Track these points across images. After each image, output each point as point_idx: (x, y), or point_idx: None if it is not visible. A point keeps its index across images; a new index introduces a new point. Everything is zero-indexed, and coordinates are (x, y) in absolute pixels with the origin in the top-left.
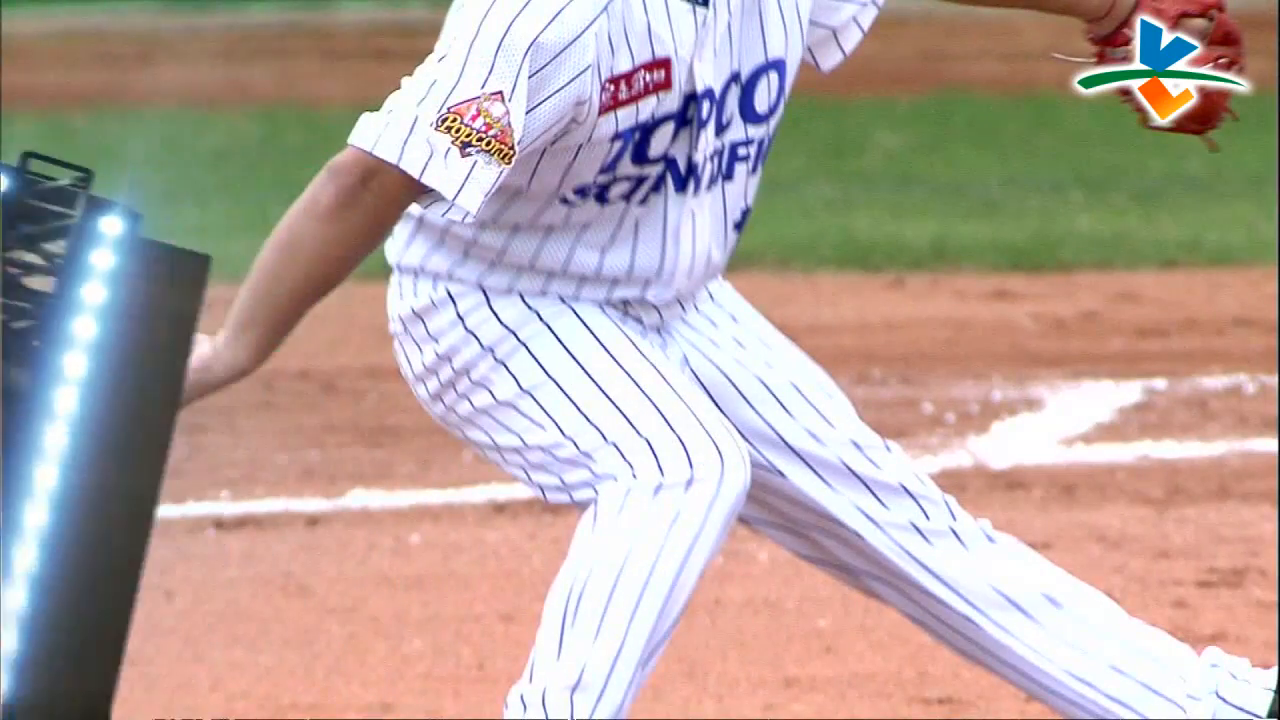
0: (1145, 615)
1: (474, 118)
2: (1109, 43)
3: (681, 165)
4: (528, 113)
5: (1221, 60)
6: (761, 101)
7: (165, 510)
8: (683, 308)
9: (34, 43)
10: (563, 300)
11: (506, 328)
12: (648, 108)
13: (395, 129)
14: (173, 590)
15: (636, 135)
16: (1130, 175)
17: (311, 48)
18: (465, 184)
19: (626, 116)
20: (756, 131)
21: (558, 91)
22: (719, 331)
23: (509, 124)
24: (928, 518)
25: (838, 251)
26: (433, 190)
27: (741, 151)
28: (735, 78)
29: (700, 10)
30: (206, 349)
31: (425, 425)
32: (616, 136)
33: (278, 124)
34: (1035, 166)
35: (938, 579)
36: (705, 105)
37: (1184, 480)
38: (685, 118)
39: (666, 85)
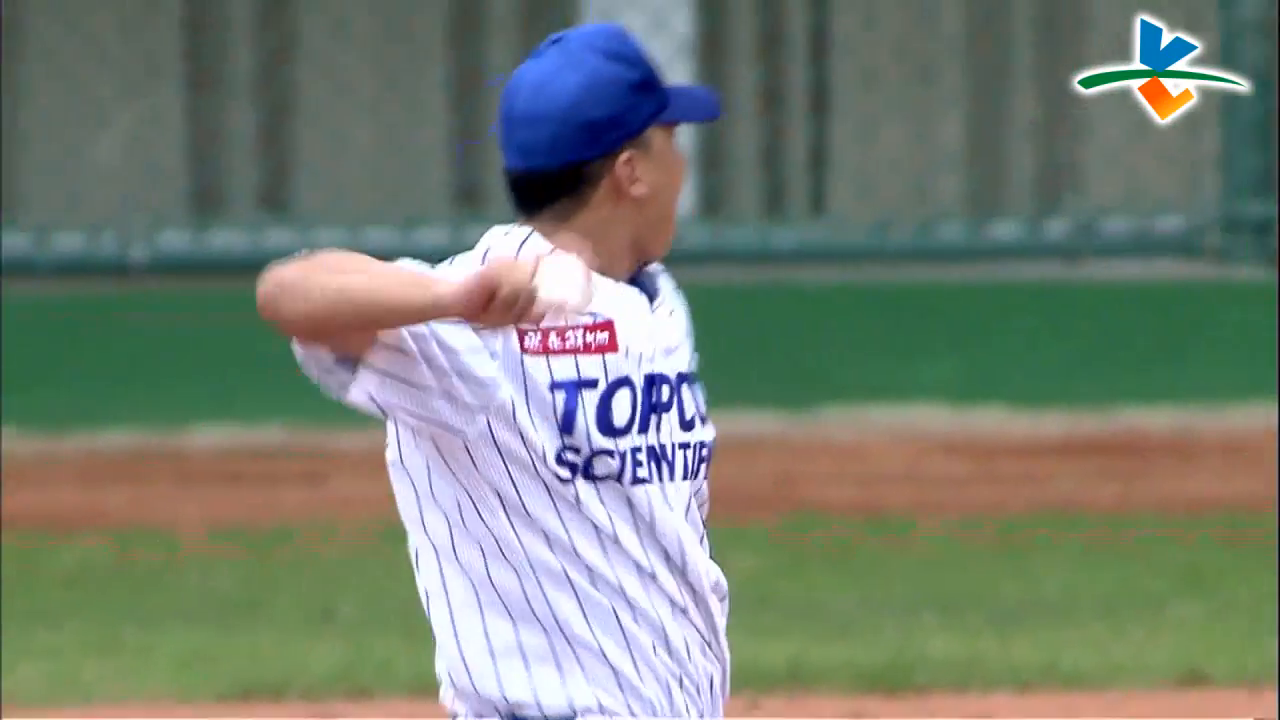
0: None
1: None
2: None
3: (658, 449)
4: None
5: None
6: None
7: None
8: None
9: None
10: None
11: None
12: (591, 366)
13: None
14: None
15: (589, 397)
16: (984, 598)
17: (165, 470)
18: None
19: (563, 368)
20: (704, 435)
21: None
22: None
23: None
24: None
25: None
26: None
27: (704, 453)
28: (684, 379)
29: (640, 297)
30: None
31: None
32: (555, 386)
33: (130, 546)
34: (889, 589)
35: None
36: (665, 390)
37: None
38: (652, 400)
39: (612, 347)
